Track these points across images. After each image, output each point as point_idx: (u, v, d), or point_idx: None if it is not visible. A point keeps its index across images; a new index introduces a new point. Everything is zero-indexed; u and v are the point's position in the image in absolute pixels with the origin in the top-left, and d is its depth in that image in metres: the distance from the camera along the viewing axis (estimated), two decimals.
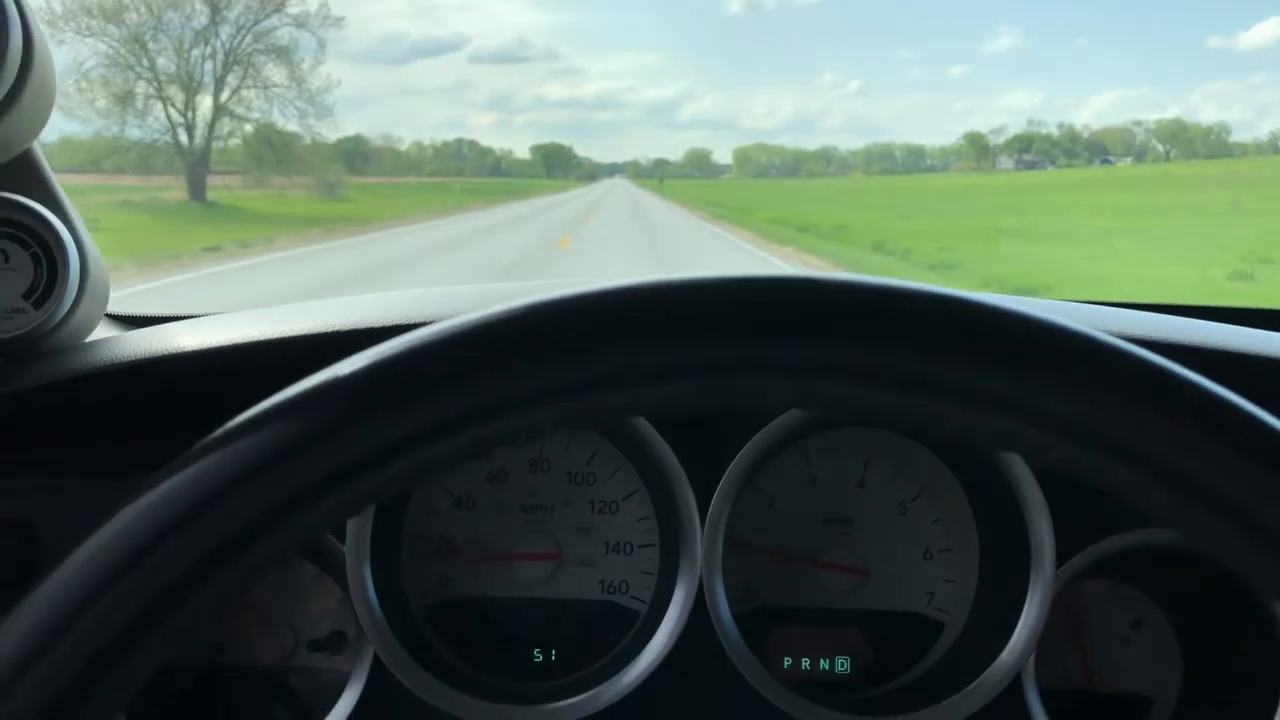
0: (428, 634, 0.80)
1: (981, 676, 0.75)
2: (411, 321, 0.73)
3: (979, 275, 11.79)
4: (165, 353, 0.75)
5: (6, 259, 0.77)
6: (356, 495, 0.31)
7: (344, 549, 0.74)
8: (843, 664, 0.83)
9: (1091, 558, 0.76)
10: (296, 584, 0.81)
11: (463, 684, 0.74)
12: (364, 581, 0.74)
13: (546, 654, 0.82)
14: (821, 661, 0.83)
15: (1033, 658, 0.76)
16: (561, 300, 0.31)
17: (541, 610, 0.83)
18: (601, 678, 0.76)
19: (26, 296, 0.77)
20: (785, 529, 0.84)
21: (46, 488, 0.73)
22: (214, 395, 0.70)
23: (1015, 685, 0.75)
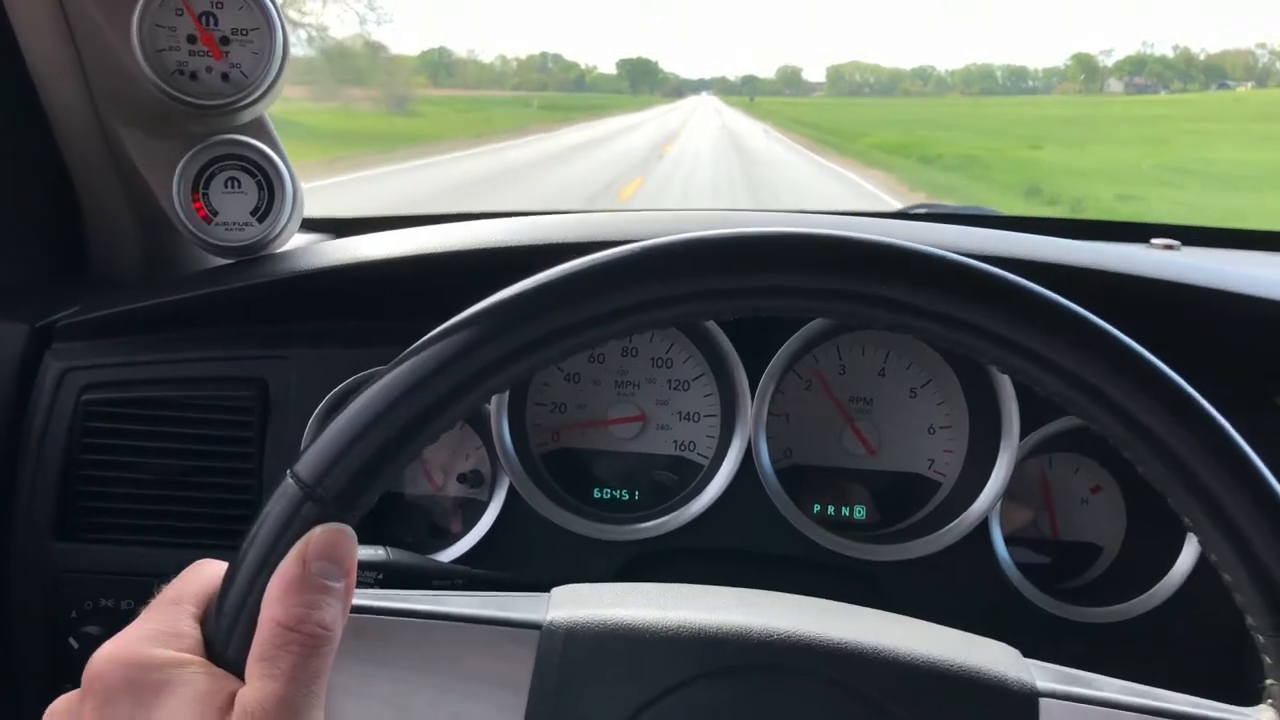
0: (544, 473, 1.09)
1: (958, 519, 1.02)
2: (574, 241, 1.02)
3: None
4: (358, 260, 1.04)
5: (239, 185, 1.06)
6: (575, 345, 0.53)
7: (488, 408, 1.03)
8: (860, 510, 1.11)
9: (1047, 433, 1.01)
10: (446, 435, 1.11)
11: (571, 508, 1.03)
12: (503, 431, 1.03)
13: (632, 494, 1.11)
14: (843, 508, 1.11)
15: (999, 506, 1.02)
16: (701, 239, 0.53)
17: (629, 461, 1.11)
18: (672, 510, 1.04)
19: (253, 213, 1.07)
20: (819, 406, 1.11)
21: (274, 356, 1.04)
22: (398, 292, 1.01)
23: (984, 527, 1.02)
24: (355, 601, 0.55)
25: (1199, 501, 0.52)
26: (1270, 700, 0.55)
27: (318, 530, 0.51)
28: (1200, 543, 0.54)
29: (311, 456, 0.52)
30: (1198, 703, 0.58)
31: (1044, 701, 0.57)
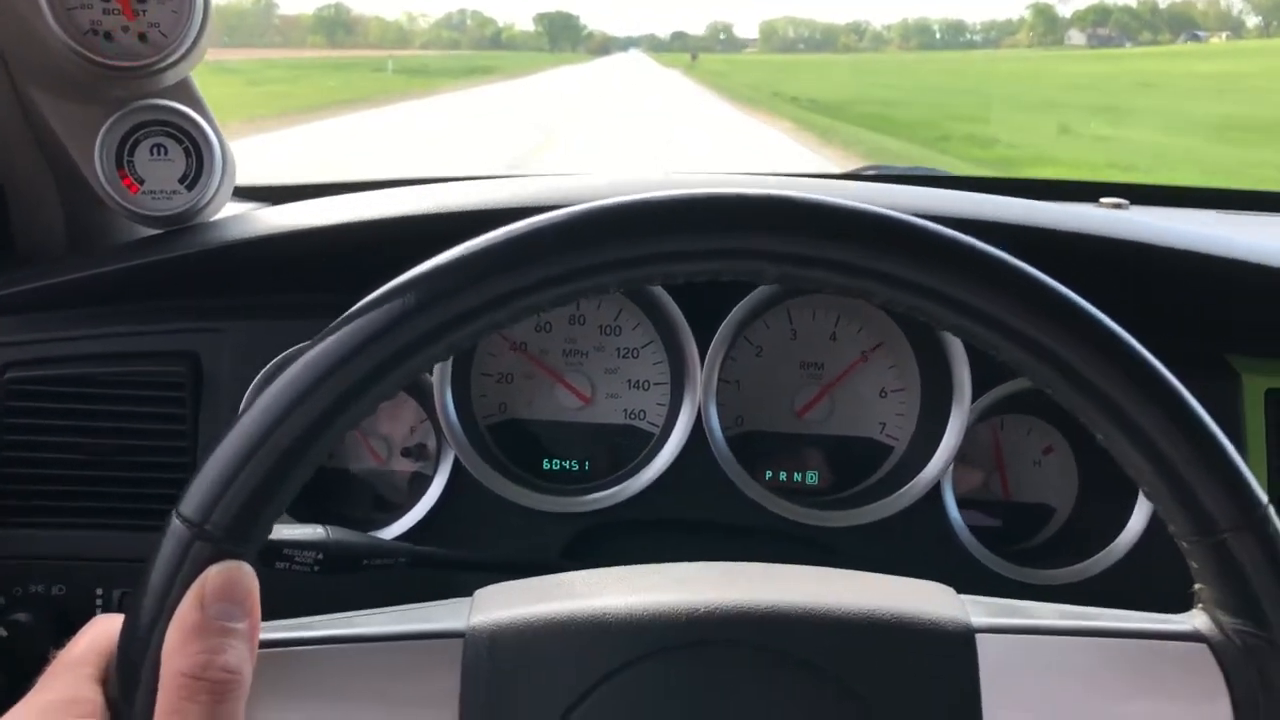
0: (491, 445, 1.15)
1: (910, 482, 1.09)
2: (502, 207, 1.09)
3: None
4: (291, 229, 1.10)
5: (166, 152, 1.11)
6: (504, 318, 0.57)
7: (430, 379, 1.08)
8: (812, 476, 1.18)
9: (998, 395, 1.09)
10: (389, 407, 1.16)
11: (519, 480, 1.10)
12: (447, 402, 1.09)
13: (581, 464, 1.18)
14: (795, 474, 1.18)
15: (952, 469, 1.10)
16: (625, 203, 0.58)
17: (578, 431, 1.18)
18: (622, 480, 1.10)
19: (181, 181, 1.12)
20: (770, 371, 1.18)
21: (207, 329, 1.09)
22: (330, 262, 1.06)
23: (937, 490, 1.10)
24: (263, 636, 0.56)
25: (1110, 417, 0.58)
26: (1200, 604, 0.62)
27: (213, 570, 0.52)
28: (1116, 457, 0.60)
29: (195, 492, 0.53)
30: (1129, 615, 0.64)
31: (980, 638, 0.62)
